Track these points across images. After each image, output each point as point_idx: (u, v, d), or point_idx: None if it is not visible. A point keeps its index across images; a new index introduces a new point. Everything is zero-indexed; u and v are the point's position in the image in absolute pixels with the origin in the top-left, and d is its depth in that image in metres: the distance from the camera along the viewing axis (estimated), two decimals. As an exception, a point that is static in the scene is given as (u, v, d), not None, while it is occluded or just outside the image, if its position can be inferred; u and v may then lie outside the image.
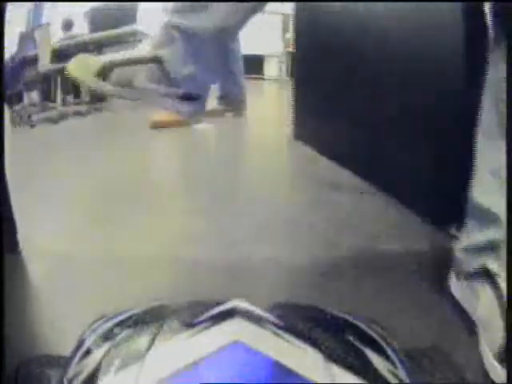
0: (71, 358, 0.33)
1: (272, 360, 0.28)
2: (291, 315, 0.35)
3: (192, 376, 0.28)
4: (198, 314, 0.33)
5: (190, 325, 0.32)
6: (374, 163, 1.55)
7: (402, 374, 0.32)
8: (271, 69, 6.58)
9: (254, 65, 5.64)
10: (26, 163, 1.84)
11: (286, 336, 0.31)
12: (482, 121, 0.78)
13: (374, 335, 0.35)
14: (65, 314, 0.83)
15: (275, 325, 0.32)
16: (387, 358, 0.32)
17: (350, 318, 0.36)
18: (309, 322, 0.34)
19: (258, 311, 0.33)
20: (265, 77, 6.50)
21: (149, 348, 0.30)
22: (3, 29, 0.93)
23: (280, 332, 0.31)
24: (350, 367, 0.29)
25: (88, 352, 0.32)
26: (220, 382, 0.27)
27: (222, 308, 0.34)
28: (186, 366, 0.28)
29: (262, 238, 1.21)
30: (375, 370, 0.30)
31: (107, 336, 0.33)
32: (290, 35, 5.36)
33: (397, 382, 0.31)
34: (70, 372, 0.31)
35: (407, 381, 0.31)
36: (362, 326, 0.36)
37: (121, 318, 0.36)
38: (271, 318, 0.33)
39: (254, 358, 0.29)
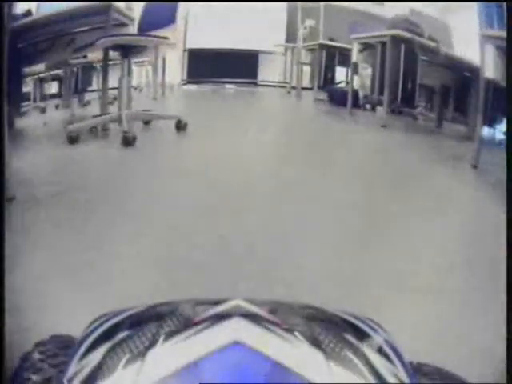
0: (71, 357, 0.33)
1: (272, 360, 0.28)
2: (291, 315, 0.35)
3: (192, 376, 0.28)
4: (198, 314, 0.33)
5: (190, 325, 0.32)
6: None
7: (401, 373, 0.32)
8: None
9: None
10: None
11: (286, 336, 0.31)
12: None
13: (374, 335, 0.35)
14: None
15: (275, 325, 0.32)
16: (387, 358, 0.32)
17: (349, 318, 0.36)
18: (309, 322, 0.34)
19: (258, 311, 0.33)
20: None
21: (149, 348, 0.30)
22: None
23: (280, 332, 0.31)
24: (349, 367, 0.29)
25: (88, 351, 0.32)
26: (220, 382, 0.27)
27: (221, 308, 0.34)
28: (186, 366, 0.28)
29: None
30: (375, 370, 0.30)
31: (107, 335, 0.33)
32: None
33: (397, 381, 0.30)
34: (70, 371, 0.31)
35: (407, 381, 0.31)
36: (362, 325, 0.36)
37: (121, 317, 0.36)
38: (271, 318, 0.33)
39: (254, 358, 0.29)
